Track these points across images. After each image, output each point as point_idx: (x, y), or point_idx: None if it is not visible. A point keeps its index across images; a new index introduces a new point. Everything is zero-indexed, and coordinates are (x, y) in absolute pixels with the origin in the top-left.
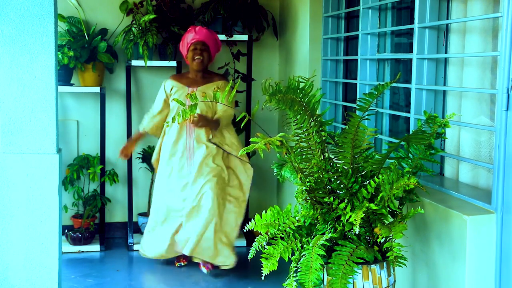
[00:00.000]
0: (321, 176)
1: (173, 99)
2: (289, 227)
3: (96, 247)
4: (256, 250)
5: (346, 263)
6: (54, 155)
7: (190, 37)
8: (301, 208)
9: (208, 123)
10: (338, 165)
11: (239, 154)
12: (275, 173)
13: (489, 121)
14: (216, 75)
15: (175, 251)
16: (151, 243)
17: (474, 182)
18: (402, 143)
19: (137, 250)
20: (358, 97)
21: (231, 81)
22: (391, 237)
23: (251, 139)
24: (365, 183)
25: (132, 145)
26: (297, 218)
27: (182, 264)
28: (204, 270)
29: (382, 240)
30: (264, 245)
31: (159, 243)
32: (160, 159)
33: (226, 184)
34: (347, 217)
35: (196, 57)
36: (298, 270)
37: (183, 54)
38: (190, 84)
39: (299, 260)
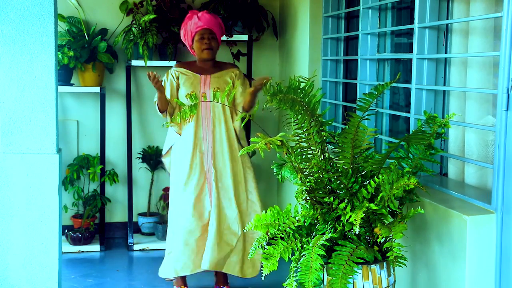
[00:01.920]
0: (321, 176)
1: (187, 95)
2: (289, 227)
3: (96, 247)
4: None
5: (346, 263)
6: (54, 155)
7: (193, 25)
8: (301, 208)
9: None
10: (338, 165)
11: (239, 155)
12: (274, 173)
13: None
14: (226, 63)
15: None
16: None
17: (477, 182)
18: (402, 143)
19: (137, 250)
20: (358, 97)
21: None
22: (391, 237)
23: (251, 139)
24: (365, 183)
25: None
26: (297, 218)
27: None
28: None
29: (382, 240)
30: (264, 245)
31: None
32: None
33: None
34: (347, 217)
35: (205, 48)
36: (298, 270)
37: (187, 44)
38: (202, 71)
39: (299, 260)
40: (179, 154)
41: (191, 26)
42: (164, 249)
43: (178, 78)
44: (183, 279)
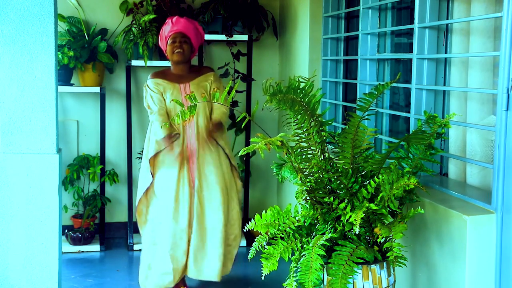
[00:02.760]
0: (321, 176)
1: (172, 100)
2: (289, 227)
3: (96, 247)
4: (256, 250)
5: (346, 263)
6: (54, 155)
7: (167, 29)
8: (301, 208)
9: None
10: (338, 165)
11: (239, 154)
12: (274, 173)
13: None
14: (203, 67)
15: None
16: None
17: (480, 182)
18: (402, 143)
19: (137, 250)
20: (358, 97)
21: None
22: (391, 237)
23: (251, 139)
24: (365, 183)
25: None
26: (297, 218)
27: None
28: None
29: (382, 240)
30: (264, 245)
31: None
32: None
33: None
34: (347, 217)
35: (176, 50)
36: (298, 270)
37: (163, 49)
38: (178, 80)
39: (299, 260)
40: (166, 164)
41: (165, 31)
42: None
43: (163, 93)
44: (182, 279)
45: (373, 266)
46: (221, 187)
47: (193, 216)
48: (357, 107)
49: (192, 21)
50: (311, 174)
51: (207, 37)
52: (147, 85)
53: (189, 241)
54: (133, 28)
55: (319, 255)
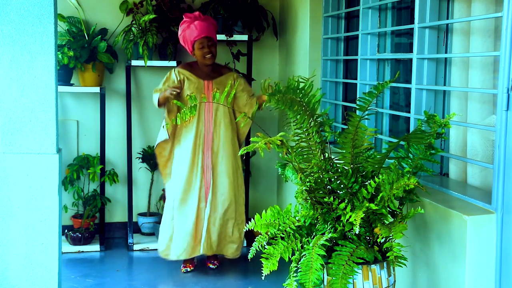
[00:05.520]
0: (321, 176)
1: (173, 101)
2: (289, 227)
3: (96, 247)
4: (256, 250)
5: (346, 263)
6: (54, 155)
7: (192, 34)
8: (301, 208)
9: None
10: (338, 165)
11: (238, 154)
12: (279, 173)
13: None
14: (223, 66)
15: None
16: None
17: (482, 183)
18: (402, 143)
19: (137, 250)
20: (358, 97)
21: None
22: (391, 237)
23: (251, 139)
24: (365, 183)
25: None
26: (297, 218)
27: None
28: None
29: (382, 240)
30: (264, 245)
31: None
32: None
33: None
34: (347, 217)
35: (207, 56)
36: (298, 270)
37: (187, 49)
38: (204, 76)
39: (299, 260)
40: (180, 153)
41: (190, 35)
42: None
43: (182, 81)
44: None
45: (373, 266)
46: (229, 180)
47: (206, 196)
48: (357, 107)
49: (209, 19)
50: (311, 174)
51: None
52: (173, 70)
53: (198, 219)
54: (133, 28)
55: (319, 255)
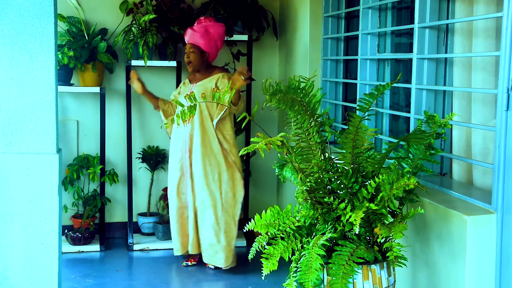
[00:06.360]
0: (321, 176)
1: (173, 100)
2: (289, 227)
3: (96, 247)
4: (256, 250)
5: (346, 263)
6: (54, 155)
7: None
8: (301, 208)
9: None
10: (338, 165)
11: (239, 154)
12: (276, 173)
13: None
14: (217, 68)
15: None
16: None
17: (484, 183)
18: (402, 143)
19: (137, 250)
20: (358, 97)
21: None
22: (391, 237)
23: (251, 139)
24: (365, 183)
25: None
26: (297, 218)
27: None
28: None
29: (382, 240)
30: (264, 245)
31: None
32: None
33: None
34: (347, 217)
35: (186, 61)
36: (298, 270)
37: None
38: (193, 80)
39: (299, 260)
40: (171, 151)
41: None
42: (165, 249)
43: (182, 85)
44: (194, 255)
45: (373, 266)
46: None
47: (192, 196)
48: (358, 108)
49: (203, 26)
50: (311, 174)
51: None
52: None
53: (184, 218)
54: (133, 28)
55: (319, 255)
